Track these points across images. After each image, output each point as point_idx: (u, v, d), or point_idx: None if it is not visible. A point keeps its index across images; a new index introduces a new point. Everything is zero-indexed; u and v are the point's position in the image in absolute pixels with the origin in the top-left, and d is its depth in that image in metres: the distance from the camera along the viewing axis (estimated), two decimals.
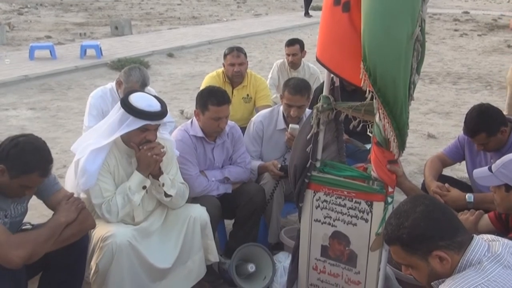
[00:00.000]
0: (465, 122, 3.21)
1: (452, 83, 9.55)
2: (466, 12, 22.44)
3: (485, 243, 1.77)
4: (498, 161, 2.42)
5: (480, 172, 2.52)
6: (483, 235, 1.87)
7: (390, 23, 2.22)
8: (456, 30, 16.99)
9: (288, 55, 5.45)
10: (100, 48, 11.04)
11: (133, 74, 3.82)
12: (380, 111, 2.36)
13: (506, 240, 1.82)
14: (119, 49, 12.02)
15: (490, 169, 2.44)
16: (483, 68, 10.91)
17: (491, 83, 9.54)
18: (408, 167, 5.32)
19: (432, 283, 1.79)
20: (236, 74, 4.55)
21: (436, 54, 12.51)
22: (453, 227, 1.77)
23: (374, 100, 2.38)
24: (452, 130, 6.62)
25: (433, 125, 6.97)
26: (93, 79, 9.47)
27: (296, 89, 3.55)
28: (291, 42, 5.49)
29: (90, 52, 11.00)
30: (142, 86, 3.81)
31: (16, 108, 7.54)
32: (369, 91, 2.34)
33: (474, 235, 1.81)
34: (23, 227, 2.70)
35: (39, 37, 13.93)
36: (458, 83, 9.57)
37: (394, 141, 2.41)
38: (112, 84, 4.09)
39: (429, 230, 1.74)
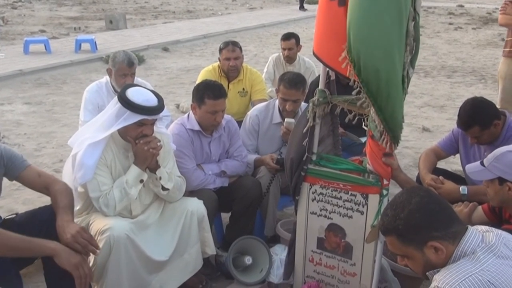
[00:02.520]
0: (458, 116, 3.24)
1: (447, 77, 9.59)
2: (461, 6, 22.46)
3: (479, 234, 1.80)
4: (490, 155, 2.44)
5: (473, 167, 2.53)
6: (477, 226, 1.90)
7: (373, 14, 2.25)
8: (450, 24, 17.02)
9: (284, 49, 5.46)
10: (95, 42, 11.02)
11: (117, 56, 3.98)
12: (370, 102, 2.39)
13: (499, 231, 1.85)
14: (114, 43, 11.99)
15: (482, 163, 2.46)
16: (477, 62, 10.96)
17: (486, 76, 9.58)
18: (403, 160, 5.35)
19: (427, 273, 1.82)
20: (231, 69, 4.56)
21: (430, 47, 12.55)
22: (448, 218, 1.79)
23: (361, 92, 2.40)
24: (447, 124, 6.66)
25: (427, 118, 7.01)
26: (88, 74, 9.45)
27: (291, 83, 3.56)
28: (287, 36, 5.49)
29: (85, 46, 10.99)
30: (129, 64, 3.94)
31: (11, 102, 7.53)
32: (355, 81, 2.37)
33: (469, 226, 1.84)
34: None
35: (34, 31, 13.87)
36: (452, 77, 9.60)
37: (385, 134, 2.43)
38: (107, 78, 4.12)
39: (424, 221, 1.77)
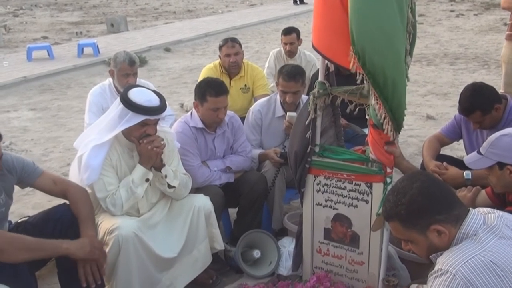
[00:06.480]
0: (459, 102, 3.24)
1: (450, 64, 9.56)
2: None
3: (480, 216, 1.81)
4: (485, 144, 2.45)
5: (471, 157, 2.53)
6: (479, 208, 1.91)
7: (375, 7, 2.26)
8: (452, 11, 16.92)
9: (285, 44, 5.46)
10: (97, 46, 11.06)
11: (118, 56, 4.02)
12: (372, 93, 2.41)
13: (501, 212, 1.87)
14: (116, 46, 12.02)
15: (479, 152, 2.47)
16: (480, 48, 10.91)
17: (489, 62, 9.54)
18: (408, 149, 5.36)
19: (430, 256, 1.84)
20: (232, 65, 4.57)
21: (433, 35, 12.50)
22: (449, 201, 1.81)
23: (365, 82, 2.43)
24: (451, 111, 6.63)
25: (431, 106, 6.99)
26: (92, 77, 9.50)
27: (290, 75, 3.58)
28: (288, 31, 5.50)
29: (87, 50, 11.03)
30: (130, 63, 3.98)
31: (17, 109, 7.59)
32: (359, 73, 2.39)
33: (470, 208, 1.85)
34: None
35: (36, 38, 13.95)
36: (455, 64, 9.57)
37: (388, 124, 2.45)
38: (110, 80, 4.15)
39: (426, 205, 1.78)
